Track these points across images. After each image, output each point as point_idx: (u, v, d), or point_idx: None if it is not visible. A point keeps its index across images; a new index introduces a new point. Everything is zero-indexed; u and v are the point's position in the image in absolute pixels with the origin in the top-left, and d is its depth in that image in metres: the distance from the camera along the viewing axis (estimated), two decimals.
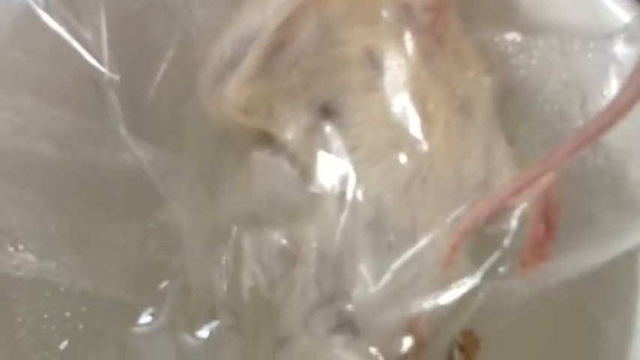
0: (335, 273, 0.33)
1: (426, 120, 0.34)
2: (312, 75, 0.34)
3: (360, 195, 0.33)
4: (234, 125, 0.35)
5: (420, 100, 0.34)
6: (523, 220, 0.32)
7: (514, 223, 0.32)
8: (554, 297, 0.31)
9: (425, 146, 0.33)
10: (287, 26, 0.33)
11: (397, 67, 0.34)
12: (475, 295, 0.31)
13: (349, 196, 0.33)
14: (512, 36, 0.36)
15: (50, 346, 0.35)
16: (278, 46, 0.34)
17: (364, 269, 0.33)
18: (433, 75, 0.34)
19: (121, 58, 0.34)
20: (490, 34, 0.36)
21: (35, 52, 0.35)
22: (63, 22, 0.34)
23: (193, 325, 0.36)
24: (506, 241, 0.32)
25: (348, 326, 0.33)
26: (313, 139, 0.34)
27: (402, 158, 0.33)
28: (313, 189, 0.34)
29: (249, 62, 0.33)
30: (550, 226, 0.34)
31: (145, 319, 0.37)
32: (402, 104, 0.34)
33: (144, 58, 0.36)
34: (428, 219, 0.33)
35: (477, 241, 0.33)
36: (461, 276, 0.31)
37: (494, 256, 0.32)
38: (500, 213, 0.32)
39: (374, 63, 0.34)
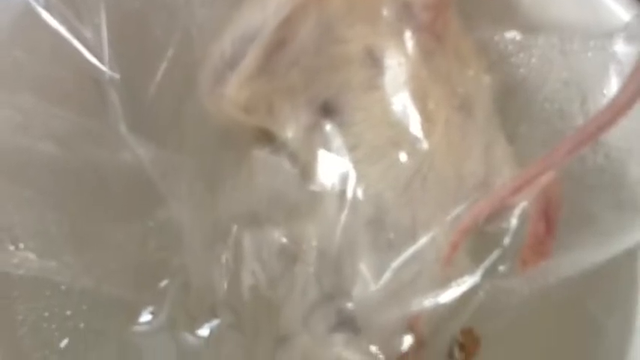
0: (335, 271, 0.33)
1: (427, 119, 0.34)
2: (313, 73, 0.34)
3: (360, 193, 0.33)
4: (235, 124, 0.35)
5: (421, 99, 0.34)
6: (523, 218, 0.32)
7: (514, 221, 0.32)
8: (555, 295, 0.31)
9: (425, 145, 0.33)
10: (287, 25, 0.33)
11: (397, 66, 0.34)
12: (475, 294, 0.31)
13: (349, 194, 0.33)
14: (513, 35, 0.36)
15: (51, 345, 0.35)
16: (278, 44, 0.34)
17: (364, 267, 0.33)
18: (433, 74, 0.34)
19: (122, 56, 0.34)
20: (490, 32, 0.36)
21: (35, 51, 0.35)
22: (63, 20, 0.34)
23: (194, 324, 0.36)
24: (507, 240, 0.32)
25: (348, 324, 0.33)
26: (313, 137, 0.34)
27: (403, 157, 0.34)
28: (313, 187, 0.34)
29: (250, 61, 0.33)
30: (550, 225, 0.34)
31: (146, 317, 0.37)
32: (402, 103, 0.34)
33: (144, 57, 0.36)
34: (428, 217, 0.33)
35: (477, 240, 0.33)
36: (461, 274, 0.31)
37: (495, 254, 0.32)
38: (501, 211, 0.32)
39: (374, 62, 0.34)
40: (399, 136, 0.34)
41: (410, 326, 0.33)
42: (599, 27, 0.35)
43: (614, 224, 0.32)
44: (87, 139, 0.34)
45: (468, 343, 0.34)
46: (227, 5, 0.35)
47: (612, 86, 0.34)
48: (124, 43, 0.34)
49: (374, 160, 0.34)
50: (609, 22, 0.35)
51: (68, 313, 0.36)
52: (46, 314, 0.36)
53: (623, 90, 0.29)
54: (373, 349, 0.33)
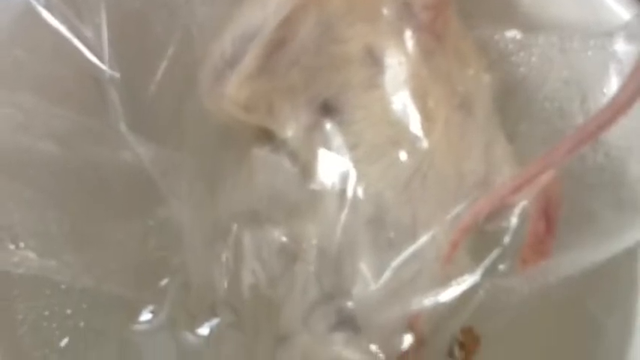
0: (335, 270, 0.33)
1: (427, 117, 0.34)
2: (313, 73, 0.34)
3: (360, 192, 0.33)
4: (235, 123, 0.35)
5: (421, 98, 0.34)
6: (523, 217, 0.32)
7: (514, 220, 0.32)
8: (554, 294, 0.31)
9: (425, 144, 0.33)
10: (287, 24, 0.33)
11: (397, 65, 0.34)
12: (475, 293, 0.31)
13: (349, 193, 0.33)
14: (513, 34, 0.36)
15: (51, 344, 0.35)
16: (278, 43, 0.34)
17: (364, 266, 0.33)
18: (433, 73, 0.34)
19: (122, 55, 0.34)
20: (490, 31, 0.36)
21: (36, 50, 0.35)
22: (64, 19, 0.34)
23: (194, 323, 0.36)
24: (507, 239, 0.32)
25: (348, 323, 0.33)
26: (314, 136, 0.34)
27: (403, 156, 0.34)
28: (314, 186, 0.34)
29: (250, 60, 0.33)
30: (550, 224, 0.34)
31: (146, 316, 0.37)
32: (402, 102, 0.34)
33: (144, 56, 0.36)
34: (428, 216, 0.33)
35: (477, 239, 0.33)
36: (461, 273, 0.31)
37: (495, 253, 0.32)
38: (501, 210, 0.32)
39: (374, 61, 0.34)
40: (399, 135, 0.34)
41: (410, 325, 0.33)
42: (599, 26, 0.35)
43: (614, 223, 0.32)
44: (87, 138, 0.34)
45: (468, 342, 0.34)
46: (227, 4, 0.35)
47: (612, 85, 0.34)
48: (124, 42, 0.34)
49: (374, 159, 0.34)
50: (609, 21, 0.35)
51: (68, 312, 0.36)
52: (46, 313, 0.36)
53: (623, 89, 0.29)
54: (373, 348, 0.33)
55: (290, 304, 0.34)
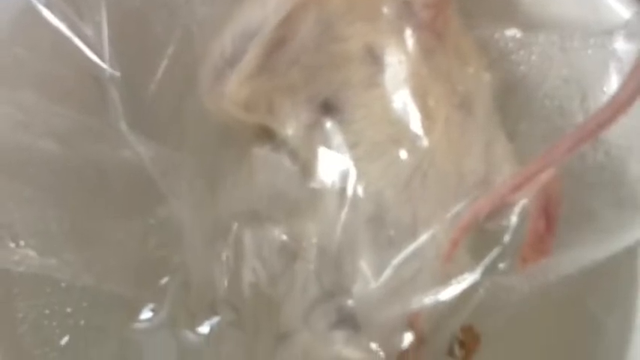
0: (335, 269, 0.33)
1: (427, 116, 0.34)
2: (313, 71, 0.34)
3: (360, 191, 0.33)
4: (235, 121, 0.35)
5: (421, 97, 0.34)
6: (523, 216, 0.32)
7: (514, 219, 0.32)
8: (554, 293, 0.31)
9: (425, 142, 0.33)
10: (287, 23, 0.33)
11: (398, 64, 0.34)
12: (475, 291, 0.31)
13: (350, 191, 0.33)
14: (513, 32, 0.36)
15: (51, 342, 0.36)
16: (278, 42, 0.34)
17: (365, 265, 0.33)
18: (434, 71, 0.34)
19: (122, 54, 0.34)
20: (490, 30, 0.36)
21: (36, 49, 0.35)
22: (64, 18, 0.34)
23: (194, 321, 0.36)
24: (507, 237, 0.32)
25: (348, 322, 0.33)
26: (314, 135, 0.34)
27: (403, 154, 0.34)
28: (314, 185, 0.34)
29: (250, 59, 0.33)
30: (550, 222, 0.34)
31: (146, 314, 0.37)
32: (402, 100, 0.34)
33: (145, 55, 0.36)
34: (428, 215, 0.33)
35: (478, 237, 0.33)
36: (461, 272, 0.32)
37: (495, 252, 0.32)
38: (501, 209, 0.32)
39: (374, 59, 0.34)
40: (399, 133, 0.34)
41: (410, 323, 0.33)
42: (600, 24, 0.35)
43: (614, 222, 0.32)
44: (87, 136, 0.34)
45: (468, 341, 0.35)
46: (227, 3, 0.35)
47: (612, 84, 0.34)
48: (124, 40, 0.34)
49: (374, 157, 0.34)
50: (609, 20, 0.35)
51: (69, 310, 0.36)
52: (47, 311, 0.36)
53: (623, 87, 0.29)
54: (373, 346, 0.33)
55: (290, 303, 0.34)
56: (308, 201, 0.34)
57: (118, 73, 0.34)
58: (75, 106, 0.35)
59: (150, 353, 0.37)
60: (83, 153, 0.35)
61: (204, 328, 0.36)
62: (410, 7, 0.34)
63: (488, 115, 0.35)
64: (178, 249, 0.36)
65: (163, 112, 0.36)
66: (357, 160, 0.34)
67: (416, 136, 0.34)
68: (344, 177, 0.34)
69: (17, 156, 0.34)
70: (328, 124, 0.34)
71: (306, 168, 0.34)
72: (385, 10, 0.34)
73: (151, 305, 0.37)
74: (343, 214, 0.33)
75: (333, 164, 0.34)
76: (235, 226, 0.35)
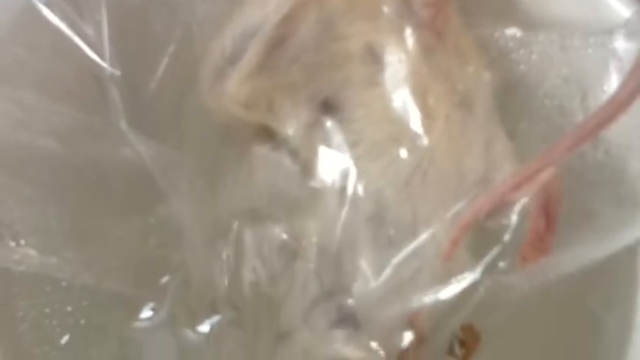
0: (335, 267, 0.33)
1: (427, 115, 0.34)
2: (313, 70, 0.34)
3: (360, 190, 0.33)
4: (235, 120, 0.35)
5: (421, 95, 0.34)
6: (523, 214, 0.32)
7: (514, 217, 0.32)
8: (555, 291, 0.31)
9: (425, 141, 0.33)
10: (288, 21, 0.33)
11: (398, 63, 0.34)
12: (475, 290, 0.31)
13: (350, 190, 0.33)
14: (513, 31, 0.36)
15: (51, 341, 0.36)
16: (279, 41, 0.34)
17: (365, 264, 0.33)
18: (434, 70, 0.34)
19: (122, 53, 0.34)
20: (490, 29, 0.36)
21: (36, 48, 0.35)
22: (64, 17, 0.34)
23: (194, 320, 0.36)
24: (507, 236, 0.32)
25: (348, 321, 0.33)
26: (314, 134, 0.34)
27: (403, 153, 0.34)
28: (314, 184, 0.34)
29: (250, 57, 0.33)
30: (550, 221, 0.34)
31: (146, 313, 0.37)
32: (402, 99, 0.34)
33: (145, 53, 0.36)
34: (428, 213, 0.33)
35: (478, 236, 0.33)
36: (461, 270, 0.32)
37: (495, 250, 0.32)
38: (501, 207, 0.32)
39: (375, 58, 0.34)
40: (399, 132, 0.34)
41: (410, 322, 0.33)
42: (600, 23, 0.35)
43: (614, 220, 0.32)
44: (88, 135, 0.34)
45: (468, 339, 0.35)
46: (228, 1, 0.35)
47: (612, 83, 0.34)
48: (124, 39, 0.34)
49: (374, 156, 0.34)
50: (609, 19, 0.35)
51: (69, 309, 0.36)
52: (47, 310, 0.36)
53: (623, 86, 0.29)
54: (373, 345, 0.33)
55: (290, 302, 0.34)
56: (308, 200, 0.34)
57: (118, 72, 0.34)
58: (75, 105, 0.35)
59: (150, 352, 0.37)
60: (83, 152, 0.35)
61: (205, 327, 0.36)
62: (410, 5, 0.34)
63: (489, 113, 0.35)
64: (178, 248, 0.36)
65: (163, 111, 0.36)
66: (357, 159, 0.34)
67: (416, 135, 0.34)
68: (344, 176, 0.34)
69: (17, 154, 0.34)
70: (328, 123, 0.34)
71: (307, 167, 0.34)
72: (385, 9, 0.34)
73: (151, 304, 0.37)
74: (343, 213, 0.33)
75: (333, 163, 0.34)
76: (235, 224, 0.35)
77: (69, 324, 0.36)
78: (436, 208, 0.33)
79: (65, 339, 0.36)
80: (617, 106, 0.29)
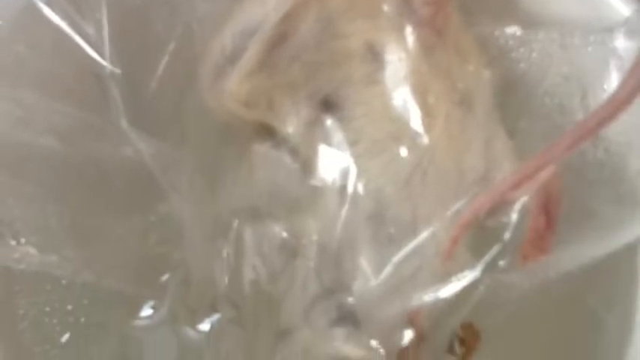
0: (336, 266, 0.33)
1: (427, 113, 0.34)
2: (313, 68, 0.34)
3: (360, 188, 0.33)
4: (236, 118, 0.35)
5: (421, 94, 0.34)
6: (523, 213, 0.32)
7: (514, 216, 0.32)
8: (555, 290, 0.32)
9: (425, 139, 0.33)
10: (288, 20, 0.33)
11: (398, 61, 0.34)
12: (475, 288, 0.31)
13: (350, 189, 0.33)
14: (513, 30, 0.36)
15: (52, 339, 0.36)
16: (279, 39, 0.34)
17: (365, 262, 0.33)
18: (434, 68, 0.34)
19: (123, 51, 0.34)
20: (490, 27, 0.36)
21: (37, 47, 0.35)
22: (65, 16, 0.34)
23: (194, 318, 0.36)
24: (507, 234, 0.32)
25: (348, 319, 0.33)
26: (314, 132, 0.34)
27: (403, 151, 0.34)
28: (314, 182, 0.34)
29: (250, 56, 0.33)
30: (550, 219, 0.34)
31: (146, 311, 0.37)
32: (402, 98, 0.34)
33: (145, 52, 0.36)
34: (428, 212, 0.33)
35: (478, 234, 0.33)
36: (461, 269, 0.32)
37: (495, 249, 0.32)
38: (501, 206, 0.32)
39: (375, 57, 0.34)
40: (399, 130, 0.34)
41: (410, 321, 0.33)
42: (600, 22, 0.35)
43: (614, 218, 0.32)
44: (88, 133, 0.35)
45: (468, 338, 0.35)
46: (228, 0, 0.35)
47: (612, 81, 0.34)
48: (125, 38, 0.34)
49: (374, 154, 0.34)
50: (609, 17, 0.35)
51: (69, 307, 0.36)
52: (47, 309, 0.36)
53: (623, 85, 0.29)
54: (373, 343, 0.33)
55: (290, 300, 0.34)
56: (308, 198, 0.34)
57: (118, 71, 0.34)
58: (76, 104, 0.35)
59: (150, 350, 0.37)
60: (84, 150, 0.35)
61: (205, 325, 0.36)
62: (410, 4, 0.34)
63: (488, 112, 0.35)
64: (179, 246, 0.36)
65: (164, 110, 0.36)
66: (357, 158, 0.34)
67: (416, 134, 0.34)
68: (344, 174, 0.34)
69: (18, 153, 0.34)
70: (328, 122, 0.34)
71: (307, 165, 0.34)
72: (385, 7, 0.34)
73: (152, 302, 0.37)
74: (343, 212, 0.33)
75: (333, 161, 0.34)
76: (236, 223, 0.35)
77: (69, 322, 0.36)
78: (436, 207, 0.33)
79: (65, 337, 0.36)
80: (617, 104, 0.29)
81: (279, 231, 0.34)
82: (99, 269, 0.34)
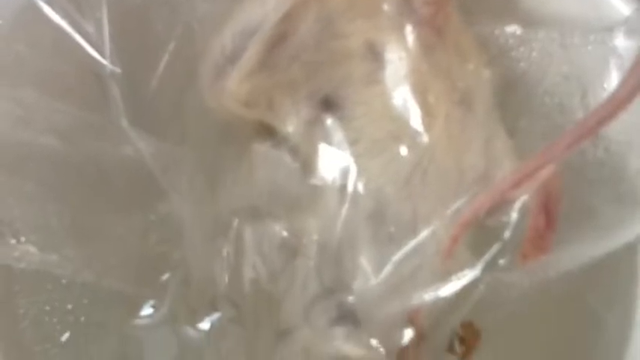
0: (336, 265, 0.33)
1: (427, 113, 0.34)
2: (313, 68, 0.34)
3: (360, 187, 0.33)
4: (236, 118, 0.35)
5: (421, 93, 0.34)
6: (523, 212, 0.32)
7: (514, 215, 0.32)
8: (555, 289, 0.32)
9: (426, 139, 0.33)
10: (288, 19, 0.33)
11: (398, 60, 0.34)
12: (475, 287, 0.31)
13: (350, 188, 0.33)
14: (513, 29, 0.36)
15: (52, 338, 0.36)
16: (279, 39, 0.34)
17: (365, 261, 0.33)
18: (434, 68, 0.34)
19: (123, 51, 0.34)
20: (490, 27, 0.36)
21: (37, 46, 0.35)
22: (65, 15, 0.34)
23: (195, 317, 0.36)
24: (507, 233, 0.32)
25: (348, 318, 0.33)
26: (314, 131, 0.34)
27: (403, 151, 0.34)
28: (314, 181, 0.34)
29: (250, 55, 0.33)
30: (550, 219, 0.34)
31: (147, 311, 0.37)
32: (402, 97, 0.34)
33: (145, 51, 0.36)
34: (428, 211, 0.33)
35: (478, 233, 0.33)
36: (461, 268, 0.32)
37: (495, 248, 0.32)
38: (501, 205, 0.32)
39: (375, 56, 0.34)
40: (399, 130, 0.34)
41: (410, 320, 0.33)
42: (600, 21, 0.35)
43: (614, 218, 0.32)
44: (88, 133, 0.35)
45: (468, 337, 0.35)
46: (228, 0, 0.35)
47: (612, 80, 0.34)
48: (125, 37, 0.34)
49: (374, 154, 0.34)
50: (609, 16, 0.35)
51: (69, 306, 0.36)
52: (47, 308, 0.36)
53: (623, 84, 0.29)
54: (374, 342, 0.33)
55: (290, 299, 0.34)
56: (308, 197, 0.34)
57: (118, 70, 0.34)
58: (76, 103, 0.35)
59: (150, 349, 0.37)
60: (84, 149, 0.35)
61: (205, 325, 0.36)
62: (410, 3, 0.34)
63: (488, 111, 0.35)
64: (179, 245, 0.36)
65: (164, 109, 0.36)
66: (357, 157, 0.34)
67: (416, 133, 0.34)
68: (344, 173, 0.34)
69: (18, 152, 0.34)
70: (328, 121, 0.34)
71: (307, 164, 0.34)
72: (385, 6, 0.34)
73: (152, 301, 0.37)
74: (343, 211, 0.33)
75: (333, 161, 0.34)
76: (236, 222, 0.35)
77: (69, 321, 0.36)
78: (436, 206, 0.33)
79: (66, 336, 0.36)
80: (617, 103, 0.29)
81: (280, 230, 0.34)
82: (99, 268, 0.34)
